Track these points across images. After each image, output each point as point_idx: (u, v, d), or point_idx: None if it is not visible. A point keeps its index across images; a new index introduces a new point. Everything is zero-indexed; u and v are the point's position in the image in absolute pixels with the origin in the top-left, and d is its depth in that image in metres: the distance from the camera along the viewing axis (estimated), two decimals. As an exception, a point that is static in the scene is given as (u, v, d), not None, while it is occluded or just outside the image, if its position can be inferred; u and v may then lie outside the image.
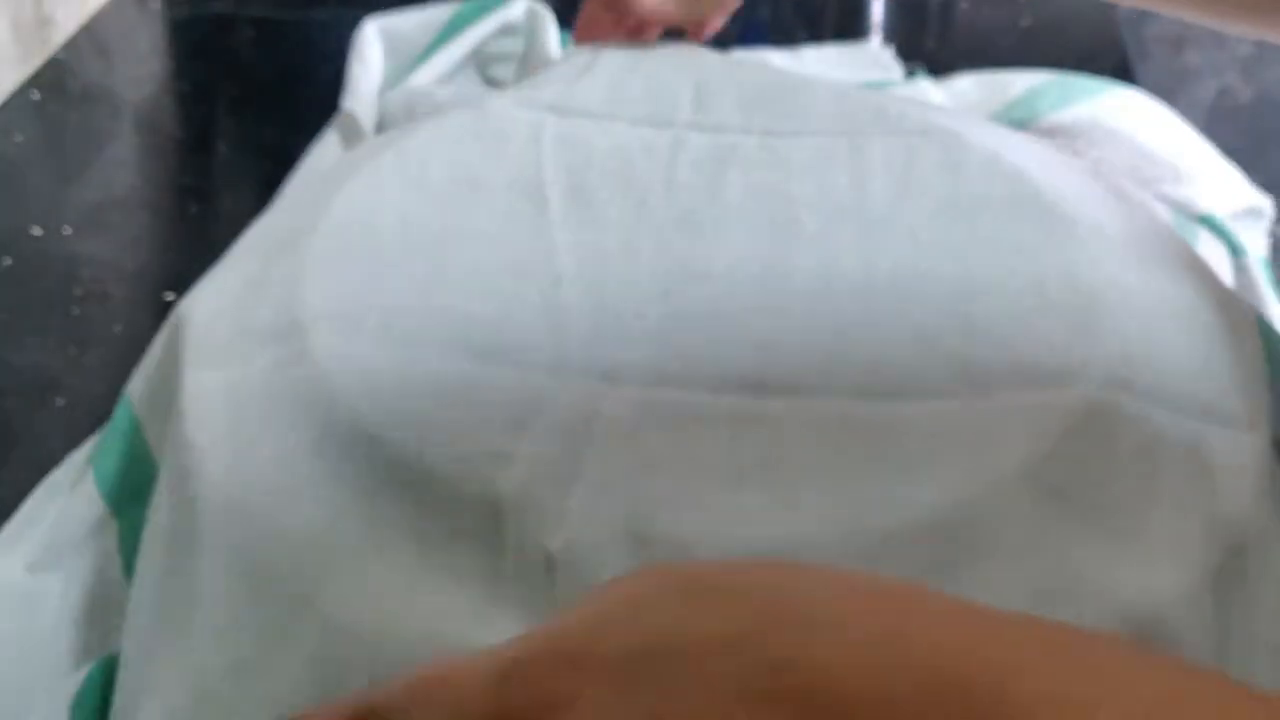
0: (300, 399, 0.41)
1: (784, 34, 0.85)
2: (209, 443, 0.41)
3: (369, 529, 0.38)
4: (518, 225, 0.48)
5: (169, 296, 0.60)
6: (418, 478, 0.38)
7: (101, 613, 0.44)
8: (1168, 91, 0.69)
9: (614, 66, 0.57)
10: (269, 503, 0.39)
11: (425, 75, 0.69)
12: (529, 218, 0.49)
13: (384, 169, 0.51)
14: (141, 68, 0.82)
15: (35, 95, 0.77)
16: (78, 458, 0.50)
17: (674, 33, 0.64)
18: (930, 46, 0.84)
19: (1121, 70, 0.75)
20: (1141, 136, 0.62)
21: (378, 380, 0.41)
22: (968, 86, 0.68)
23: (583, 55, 0.59)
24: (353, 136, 0.64)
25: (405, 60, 0.70)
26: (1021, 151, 0.52)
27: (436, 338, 0.43)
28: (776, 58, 0.75)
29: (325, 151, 0.64)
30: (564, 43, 0.70)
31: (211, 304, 0.47)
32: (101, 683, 0.41)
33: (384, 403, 0.40)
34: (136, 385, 0.48)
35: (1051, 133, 0.62)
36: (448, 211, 0.49)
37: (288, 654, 0.36)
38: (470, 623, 0.35)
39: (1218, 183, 0.62)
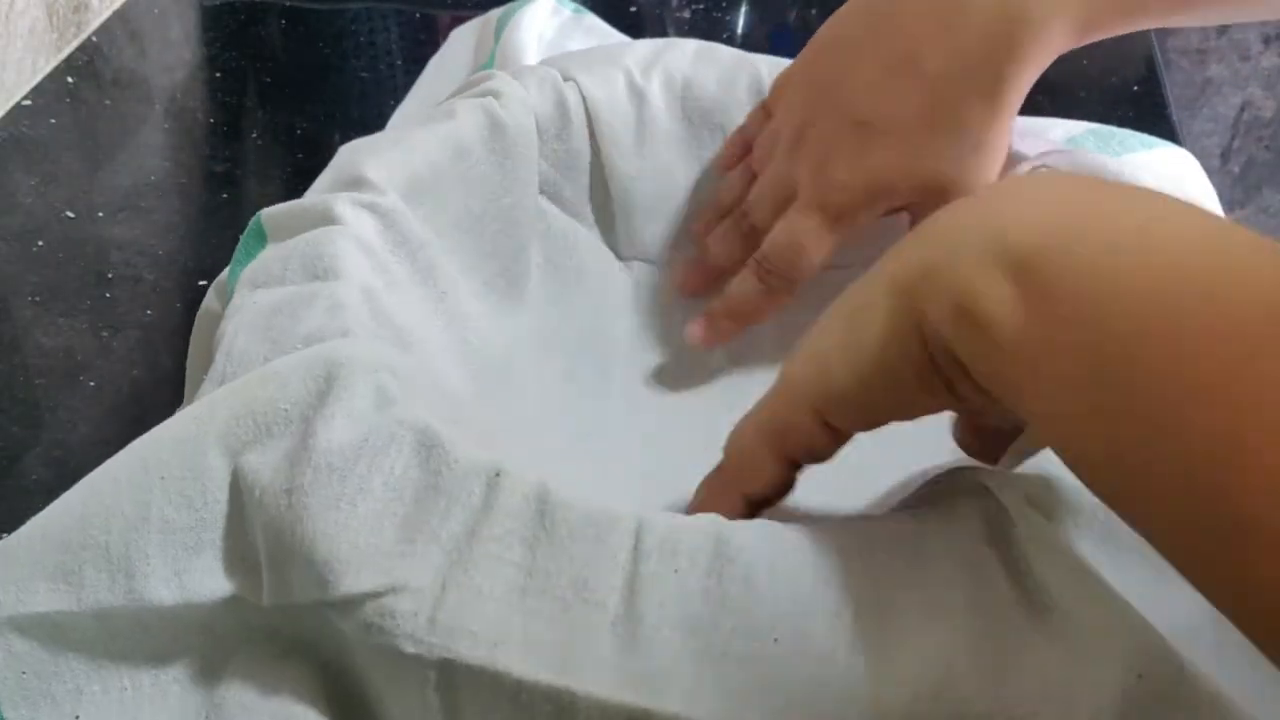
0: None
1: (810, 35, 0.86)
2: None
3: None
4: None
5: (202, 283, 0.61)
6: None
7: None
8: (1190, 103, 0.69)
9: None
10: None
11: None
12: None
13: None
14: (174, 54, 0.83)
15: (68, 79, 0.78)
16: None
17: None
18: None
19: (1149, 79, 0.75)
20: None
21: None
22: None
23: None
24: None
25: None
26: None
27: None
28: None
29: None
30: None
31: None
32: None
33: None
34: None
35: None
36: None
37: None
38: None
39: None
